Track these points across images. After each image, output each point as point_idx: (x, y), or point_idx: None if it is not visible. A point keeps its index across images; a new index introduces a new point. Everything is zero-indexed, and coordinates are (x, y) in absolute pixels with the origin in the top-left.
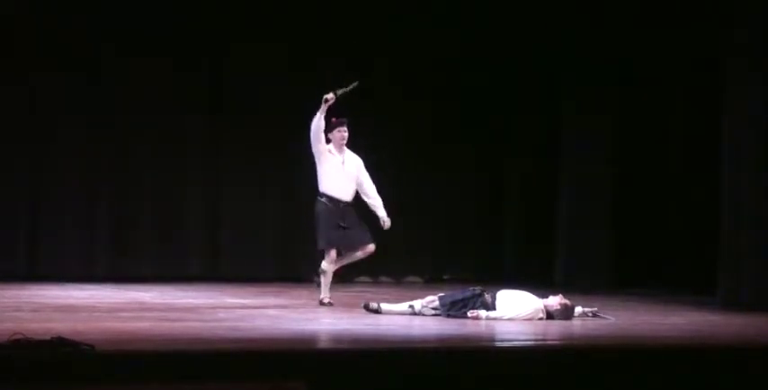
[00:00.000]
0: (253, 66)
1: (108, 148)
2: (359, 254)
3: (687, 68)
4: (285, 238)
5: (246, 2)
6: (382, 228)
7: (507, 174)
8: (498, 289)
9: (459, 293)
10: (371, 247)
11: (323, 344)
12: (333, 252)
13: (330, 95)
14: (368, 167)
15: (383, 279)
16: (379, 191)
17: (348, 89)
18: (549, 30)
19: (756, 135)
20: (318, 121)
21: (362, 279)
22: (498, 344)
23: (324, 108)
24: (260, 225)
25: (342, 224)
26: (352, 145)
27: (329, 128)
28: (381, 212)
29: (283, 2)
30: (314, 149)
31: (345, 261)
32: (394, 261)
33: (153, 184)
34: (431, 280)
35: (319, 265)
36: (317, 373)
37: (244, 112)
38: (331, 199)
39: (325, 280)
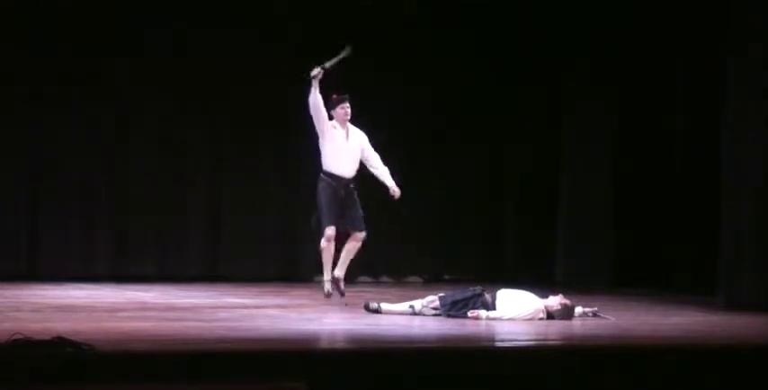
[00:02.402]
0: (253, 66)
1: (108, 148)
2: (350, 247)
3: (688, 67)
4: (285, 238)
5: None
6: (393, 198)
7: (507, 174)
8: (498, 289)
9: (459, 293)
10: (361, 235)
11: (323, 344)
12: (331, 230)
13: (316, 71)
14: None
15: (383, 279)
16: (379, 191)
17: (337, 59)
18: (552, 27)
19: (757, 134)
20: (314, 97)
21: (363, 278)
22: (498, 344)
23: (315, 83)
24: (260, 224)
25: (342, 204)
26: (356, 123)
27: (331, 105)
28: (390, 182)
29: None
30: (317, 126)
31: (342, 258)
32: (394, 261)
33: (153, 184)
34: (431, 280)
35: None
36: (316, 373)
37: (244, 112)
38: (333, 176)
39: (325, 258)
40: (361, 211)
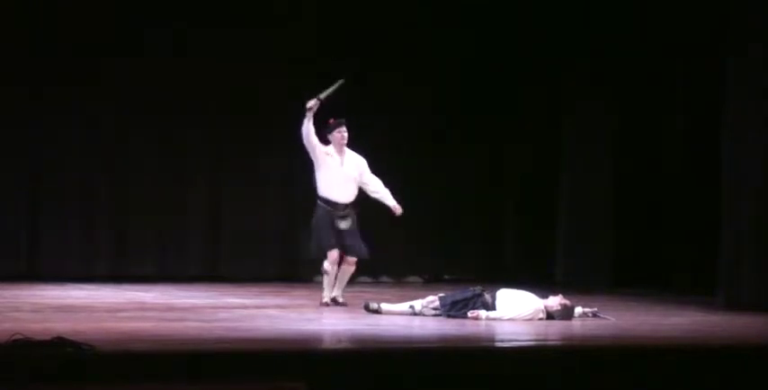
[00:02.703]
0: (253, 66)
1: (108, 148)
2: (345, 269)
3: (688, 67)
4: (285, 238)
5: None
6: (394, 215)
7: (508, 175)
8: (498, 289)
9: (459, 293)
10: (353, 260)
11: (323, 344)
12: (334, 253)
13: (312, 102)
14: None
15: (383, 279)
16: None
17: (332, 89)
18: (552, 27)
19: (757, 134)
20: (307, 127)
21: (363, 279)
22: (498, 344)
23: (309, 115)
24: (260, 224)
25: (340, 228)
26: (354, 145)
27: (329, 130)
28: (391, 202)
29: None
30: (311, 155)
31: (337, 281)
32: (394, 262)
33: (153, 184)
34: (431, 280)
35: (321, 265)
36: (316, 373)
37: (245, 113)
38: (329, 202)
39: (328, 281)
40: (359, 235)
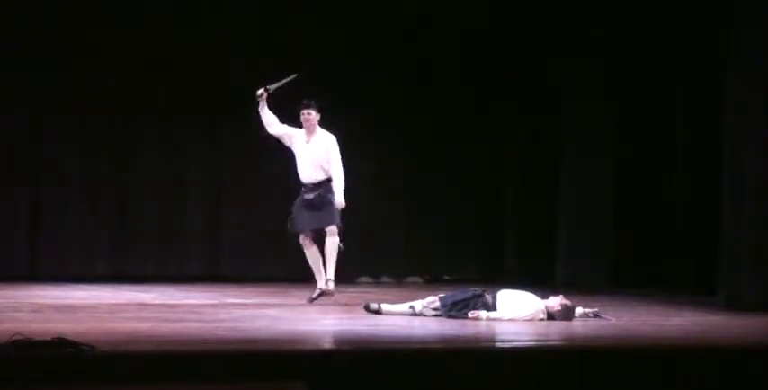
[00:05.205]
0: (253, 65)
1: (108, 148)
2: (329, 243)
3: (688, 66)
4: (285, 238)
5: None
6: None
7: (508, 175)
8: (499, 290)
9: (459, 293)
10: (331, 229)
11: (323, 344)
12: (304, 238)
13: (260, 91)
14: (368, 169)
15: (384, 279)
16: (380, 191)
17: (284, 82)
18: (551, 29)
19: (758, 135)
20: (262, 117)
21: (363, 279)
22: (499, 345)
23: (261, 103)
24: (260, 225)
25: (311, 208)
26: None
27: (298, 111)
28: (338, 196)
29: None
30: (283, 142)
31: (326, 261)
32: (395, 262)
33: (153, 184)
34: (431, 281)
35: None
36: (316, 373)
37: (244, 112)
38: (300, 183)
39: (312, 261)
40: (332, 209)
